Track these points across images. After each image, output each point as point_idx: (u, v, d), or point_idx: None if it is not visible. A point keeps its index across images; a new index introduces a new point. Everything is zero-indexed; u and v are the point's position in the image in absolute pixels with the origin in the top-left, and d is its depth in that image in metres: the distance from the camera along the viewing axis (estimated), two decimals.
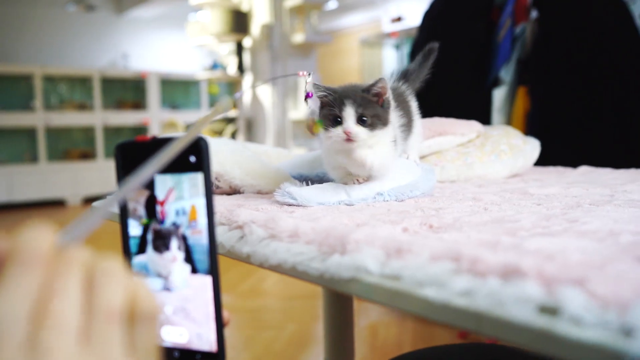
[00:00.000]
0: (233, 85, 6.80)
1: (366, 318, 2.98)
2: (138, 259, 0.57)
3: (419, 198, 1.03)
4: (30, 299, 0.32)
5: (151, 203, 0.56)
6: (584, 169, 1.50)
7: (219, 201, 1.02)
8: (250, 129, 5.88)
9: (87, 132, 8.29)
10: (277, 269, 0.68)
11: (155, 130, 8.47)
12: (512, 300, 0.45)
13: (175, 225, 0.55)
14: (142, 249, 0.57)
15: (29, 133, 7.84)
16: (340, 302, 1.35)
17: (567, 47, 2.36)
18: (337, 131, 0.93)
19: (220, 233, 0.80)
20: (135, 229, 0.56)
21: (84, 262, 0.35)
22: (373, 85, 0.94)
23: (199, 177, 0.54)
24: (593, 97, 2.29)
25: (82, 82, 8.32)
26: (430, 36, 2.75)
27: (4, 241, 0.34)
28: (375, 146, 0.95)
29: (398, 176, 1.03)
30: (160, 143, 0.53)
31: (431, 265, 0.54)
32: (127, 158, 0.56)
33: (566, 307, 0.42)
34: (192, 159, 0.53)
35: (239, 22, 5.63)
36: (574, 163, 1.68)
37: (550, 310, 0.43)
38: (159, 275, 0.55)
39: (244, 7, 5.79)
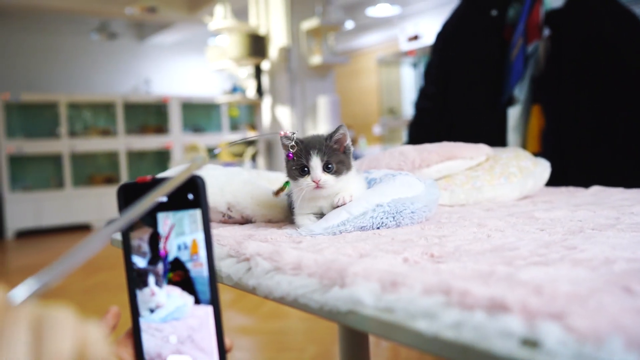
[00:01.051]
0: (253, 108, 6.89)
1: None
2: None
3: (425, 224, 1.05)
4: None
5: (154, 240, 0.59)
6: (594, 189, 1.50)
7: (230, 231, 1.05)
8: (270, 151, 5.94)
9: (111, 157, 8.44)
10: (281, 301, 0.70)
11: (177, 154, 8.59)
12: (496, 334, 0.47)
13: (153, 264, 0.59)
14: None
15: (55, 159, 8.02)
16: None
17: (580, 64, 2.37)
18: (307, 181, 0.99)
19: (229, 265, 0.83)
20: (141, 263, 0.60)
21: (31, 315, 0.36)
22: (334, 132, 1.01)
23: (197, 213, 0.57)
24: (607, 113, 2.28)
25: (106, 108, 8.49)
26: (443, 57, 2.78)
27: None
28: (345, 186, 1.03)
29: (398, 190, 1.06)
30: (159, 183, 0.56)
31: (423, 298, 0.56)
32: (130, 198, 0.58)
33: (545, 341, 0.44)
34: (190, 196, 0.57)
35: (257, 45, 5.71)
36: (589, 179, 1.68)
37: (531, 343, 0.45)
38: (150, 310, 0.59)
39: (262, 31, 5.87)
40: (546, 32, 2.56)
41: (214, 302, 0.57)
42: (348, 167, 1.02)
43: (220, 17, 5.82)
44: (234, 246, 0.86)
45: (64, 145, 7.95)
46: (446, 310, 0.53)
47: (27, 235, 7.68)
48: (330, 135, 1.02)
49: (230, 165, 5.67)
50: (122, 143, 8.36)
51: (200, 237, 0.57)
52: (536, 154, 2.41)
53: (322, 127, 5.44)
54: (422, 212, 1.08)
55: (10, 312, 0.36)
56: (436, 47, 2.86)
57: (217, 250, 0.88)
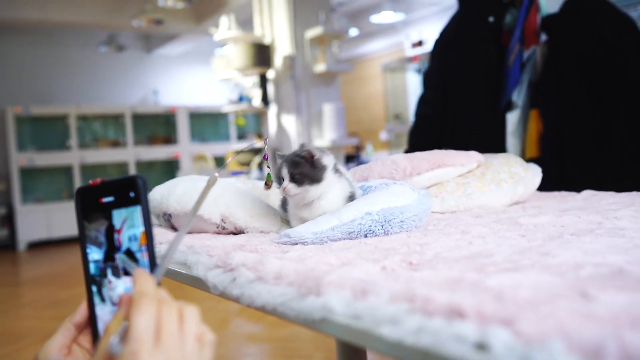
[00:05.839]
0: (259, 117, 6.94)
1: None
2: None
3: (412, 232, 1.07)
4: (153, 320, 0.54)
5: (110, 232, 0.67)
6: (586, 194, 1.52)
7: (222, 241, 1.08)
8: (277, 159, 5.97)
9: (121, 168, 8.52)
10: (262, 309, 0.73)
11: (186, 163, 8.65)
12: (451, 339, 0.50)
13: (111, 260, 0.67)
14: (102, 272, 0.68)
15: (66, 171, 8.11)
16: None
17: (577, 68, 2.38)
18: (280, 188, 1.13)
19: (216, 275, 0.86)
20: (95, 254, 0.68)
21: (177, 308, 0.57)
22: (300, 150, 1.15)
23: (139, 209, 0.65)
24: (605, 116, 2.30)
25: (115, 120, 8.58)
26: (441, 63, 2.81)
27: (124, 294, 0.58)
28: (323, 196, 1.14)
29: (389, 199, 1.10)
30: (106, 184, 0.67)
31: (389, 305, 0.58)
32: (84, 198, 0.68)
33: (493, 345, 0.47)
34: (132, 194, 0.65)
35: (262, 55, 5.76)
36: (587, 183, 1.70)
37: (482, 347, 0.48)
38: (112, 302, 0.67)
39: (266, 41, 5.92)
40: (543, 37, 2.58)
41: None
42: (314, 178, 1.12)
43: (225, 27, 5.88)
44: (222, 257, 0.89)
45: (74, 157, 8.04)
46: (410, 316, 0.56)
47: (39, 246, 7.76)
48: (298, 152, 1.15)
49: (237, 174, 5.71)
50: (131, 153, 8.44)
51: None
52: (535, 159, 2.43)
53: (327, 134, 5.47)
54: (412, 222, 1.10)
55: (163, 298, 0.57)
56: (435, 54, 2.89)
57: (205, 260, 0.91)
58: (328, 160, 1.15)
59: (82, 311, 0.69)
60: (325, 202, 1.14)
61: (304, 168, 1.12)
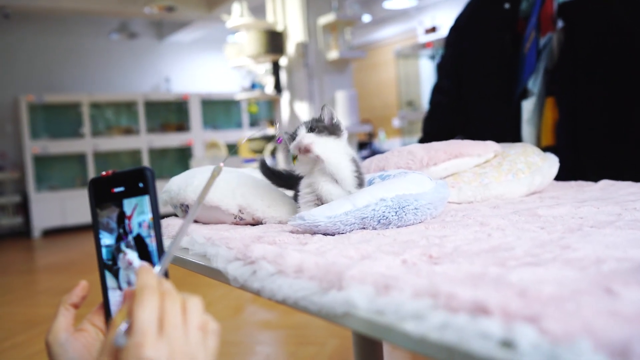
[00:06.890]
0: (271, 104, 6.94)
1: None
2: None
3: (429, 224, 1.07)
4: (156, 312, 0.56)
5: (121, 218, 0.71)
6: (603, 183, 1.51)
7: (241, 233, 1.09)
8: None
9: (134, 155, 8.57)
10: (283, 303, 0.74)
11: (198, 150, 8.68)
12: (476, 336, 0.50)
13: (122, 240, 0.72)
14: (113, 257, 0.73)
15: (79, 159, 8.17)
16: None
17: (594, 56, 2.35)
18: (293, 142, 1.14)
19: (236, 268, 0.86)
20: (107, 240, 0.72)
21: (181, 299, 0.60)
22: (321, 112, 1.17)
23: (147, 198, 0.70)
24: (622, 105, 2.27)
25: (128, 107, 8.62)
26: (456, 51, 2.79)
27: (128, 290, 0.62)
28: (328, 151, 1.12)
29: (404, 186, 1.09)
30: (117, 175, 0.72)
31: (412, 301, 0.59)
32: (97, 189, 0.73)
33: (520, 343, 0.47)
34: (141, 185, 0.70)
35: (275, 42, 5.74)
36: (603, 172, 1.68)
37: (508, 345, 0.48)
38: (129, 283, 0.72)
39: (279, 28, 5.91)
40: (560, 24, 2.55)
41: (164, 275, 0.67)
42: (332, 132, 1.14)
43: (237, 14, 5.87)
44: (241, 249, 0.90)
45: (87, 145, 8.09)
46: (433, 312, 0.56)
47: (53, 233, 7.85)
48: (319, 115, 1.18)
49: (250, 162, 5.71)
50: (144, 141, 8.48)
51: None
52: (551, 147, 2.41)
53: (340, 121, 5.45)
54: (427, 209, 1.09)
55: (166, 289, 0.59)
56: (449, 41, 2.86)
57: (225, 253, 0.92)
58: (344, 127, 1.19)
59: (77, 292, 0.75)
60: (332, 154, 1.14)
61: (323, 123, 1.15)
